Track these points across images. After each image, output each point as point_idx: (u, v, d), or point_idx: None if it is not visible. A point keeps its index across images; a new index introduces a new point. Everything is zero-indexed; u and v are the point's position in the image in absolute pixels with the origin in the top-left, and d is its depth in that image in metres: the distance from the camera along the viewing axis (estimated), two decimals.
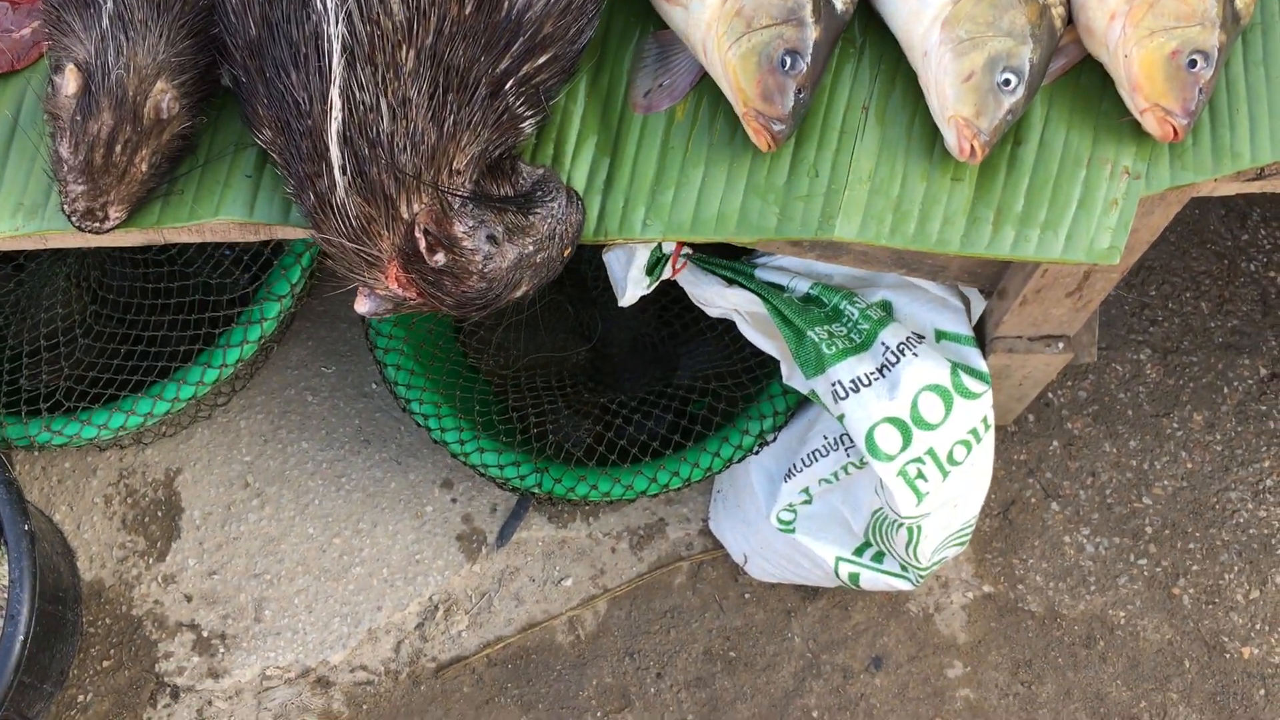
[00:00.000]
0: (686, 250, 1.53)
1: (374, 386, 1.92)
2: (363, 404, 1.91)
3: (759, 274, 1.55)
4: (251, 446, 1.89)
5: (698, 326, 1.80)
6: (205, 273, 1.76)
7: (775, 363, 1.63)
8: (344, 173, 0.97)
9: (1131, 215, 1.05)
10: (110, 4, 1.04)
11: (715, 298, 1.56)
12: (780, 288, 1.54)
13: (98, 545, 1.84)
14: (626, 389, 1.81)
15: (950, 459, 1.48)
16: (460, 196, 1.01)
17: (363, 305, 1.05)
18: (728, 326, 1.77)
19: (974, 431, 1.49)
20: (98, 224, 1.08)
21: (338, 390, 1.92)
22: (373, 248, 1.00)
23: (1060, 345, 1.46)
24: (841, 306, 1.51)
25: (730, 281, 1.54)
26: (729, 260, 1.55)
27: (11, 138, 1.15)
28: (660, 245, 1.46)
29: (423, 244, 0.99)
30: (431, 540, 1.84)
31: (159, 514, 1.86)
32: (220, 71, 1.11)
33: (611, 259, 1.52)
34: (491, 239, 1.02)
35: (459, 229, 1.00)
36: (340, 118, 0.97)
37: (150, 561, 1.84)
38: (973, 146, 1.03)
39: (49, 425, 1.63)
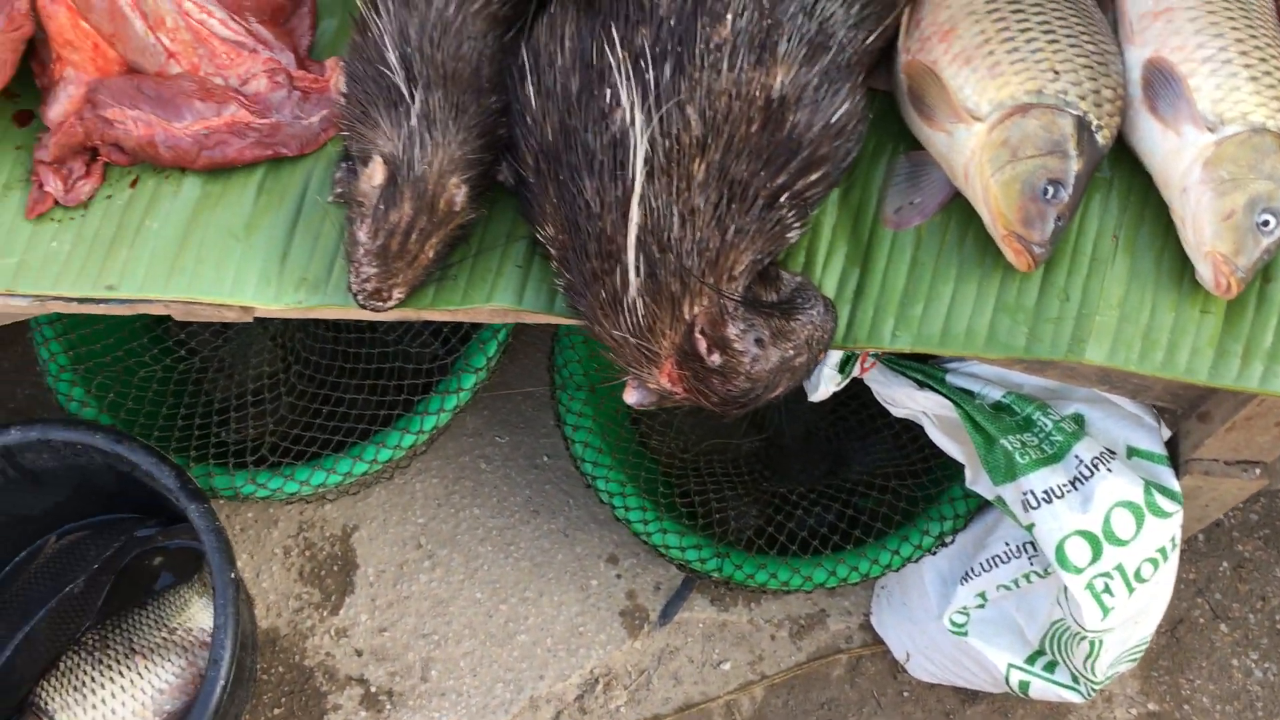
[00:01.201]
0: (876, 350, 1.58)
1: (545, 459, 1.98)
2: (534, 475, 1.97)
3: (949, 379, 1.59)
4: (425, 509, 1.95)
5: (874, 424, 1.84)
6: (404, 341, 1.84)
7: (955, 465, 1.66)
8: (637, 274, 1.04)
9: None
10: (418, 105, 1.12)
11: (905, 399, 1.60)
12: (971, 394, 1.58)
13: (275, 594, 1.91)
14: (797, 479, 1.85)
15: (1138, 576, 1.50)
16: (735, 301, 1.07)
17: (631, 396, 1.11)
18: (904, 426, 1.81)
19: (1162, 550, 1.51)
20: (381, 303, 1.16)
21: (510, 460, 1.98)
22: (653, 344, 1.06)
23: (1257, 471, 1.47)
24: (1034, 417, 1.54)
25: (921, 384, 1.59)
26: (919, 363, 1.59)
27: (297, 218, 1.24)
28: None
29: (703, 345, 1.05)
30: (595, 614, 1.88)
31: (335, 568, 1.92)
32: (499, 168, 1.19)
33: None
34: (759, 342, 1.08)
35: (732, 331, 1.06)
36: (638, 224, 1.03)
37: (324, 614, 1.90)
38: (1229, 282, 1.07)
39: (254, 478, 1.70)
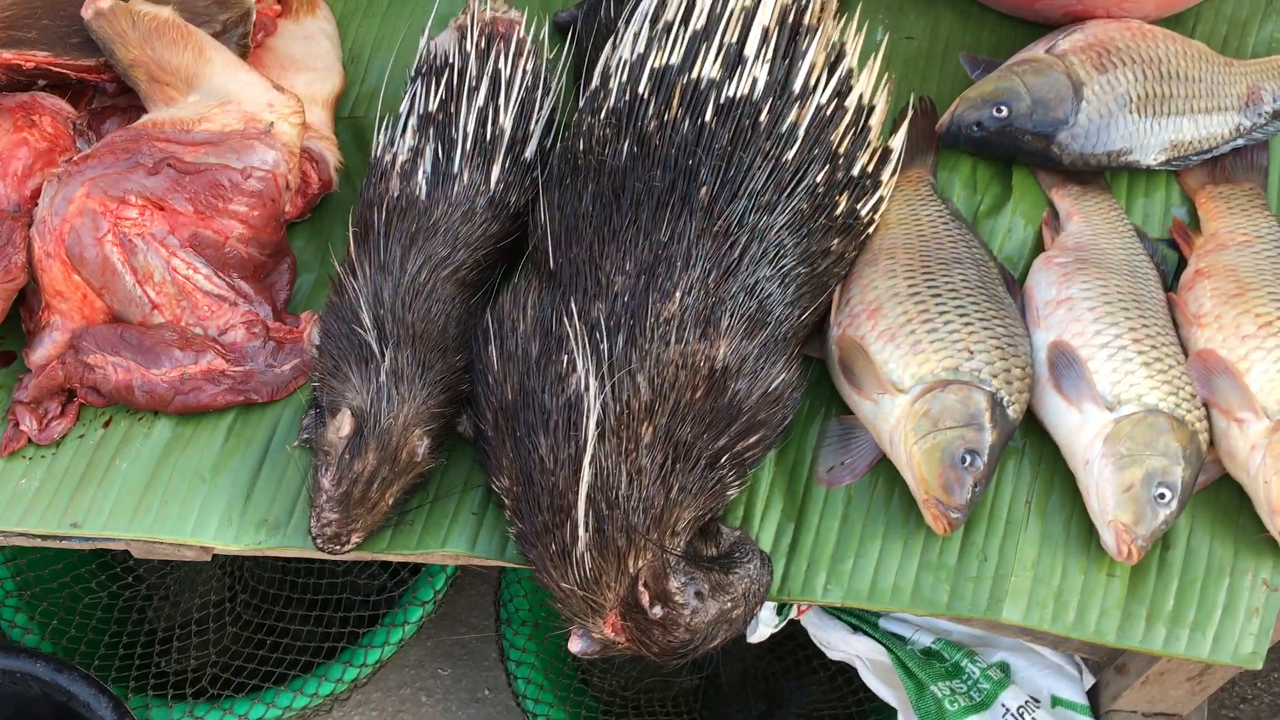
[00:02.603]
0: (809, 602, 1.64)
1: (487, 693, 1.98)
2: (474, 709, 1.97)
3: (882, 624, 1.65)
4: None
5: (810, 664, 1.88)
6: (353, 573, 1.87)
7: (889, 709, 1.70)
8: (586, 530, 1.11)
9: (1272, 623, 1.17)
10: (388, 362, 1.21)
11: (839, 642, 1.66)
12: (902, 639, 1.64)
13: None
14: (734, 719, 1.87)
15: None
16: (677, 556, 1.13)
17: (576, 645, 1.15)
18: (840, 667, 1.85)
19: None
20: (339, 547, 1.21)
21: (452, 693, 1.98)
22: (599, 596, 1.12)
23: None
24: (962, 664, 1.60)
25: (855, 629, 1.64)
26: (853, 608, 1.65)
27: (263, 461, 1.30)
28: None
29: (645, 598, 1.11)
30: None
31: None
32: (460, 420, 1.26)
33: None
34: (699, 595, 1.14)
35: (674, 585, 1.12)
36: (588, 482, 1.11)
37: None
38: (1130, 550, 1.16)
39: (192, 711, 1.70)
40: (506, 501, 1.20)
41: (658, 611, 1.11)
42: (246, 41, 1.42)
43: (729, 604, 1.16)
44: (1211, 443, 1.23)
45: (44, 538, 1.27)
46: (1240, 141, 1.41)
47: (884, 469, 1.27)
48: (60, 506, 1.28)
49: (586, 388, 1.13)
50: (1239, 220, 1.35)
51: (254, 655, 1.77)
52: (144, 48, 1.32)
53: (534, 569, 1.17)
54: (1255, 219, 1.35)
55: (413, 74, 1.42)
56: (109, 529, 1.26)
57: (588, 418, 1.12)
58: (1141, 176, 1.44)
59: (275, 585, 1.88)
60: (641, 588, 1.11)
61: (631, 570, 1.12)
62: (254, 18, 1.44)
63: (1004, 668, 1.62)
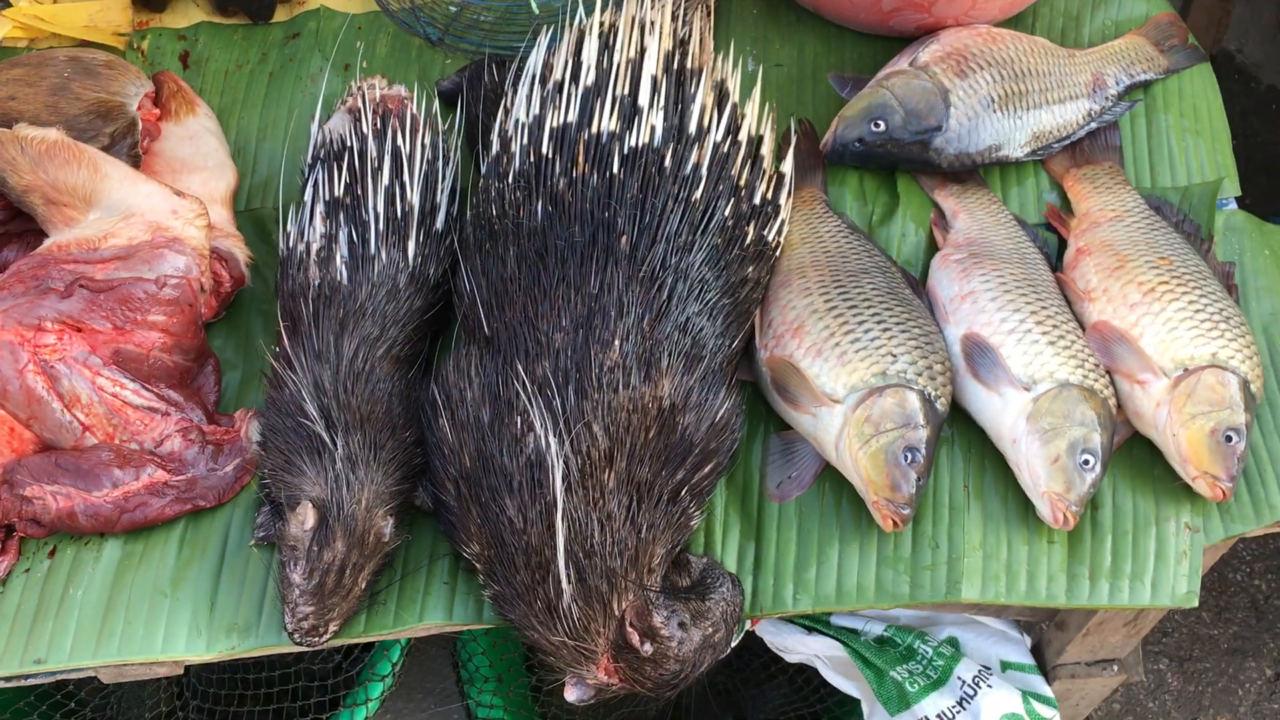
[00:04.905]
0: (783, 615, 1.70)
1: None
2: None
3: (834, 620, 1.72)
4: None
5: (768, 671, 1.93)
6: (305, 659, 1.85)
7: (852, 701, 1.77)
8: (570, 581, 1.14)
9: (1199, 563, 1.27)
10: (340, 449, 1.22)
11: (796, 645, 1.72)
12: (855, 632, 1.71)
13: None
14: None
15: None
16: (657, 591, 1.18)
17: (572, 693, 1.18)
18: (799, 669, 1.92)
19: None
20: (318, 639, 1.21)
21: None
22: (590, 643, 1.15)
23: (1115, 668, 1.64)
24: (915, 646, 1.68)
25: (810, 630, 1.71)
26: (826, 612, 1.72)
27: (221, 566, 1.29)
28: None
29: (635, 637, 1.14)
30: None
31: None
32: (417, 494, 1.28)
33: None
34: (683, 626, 1.18)
35: (658, 619, 1.16)
36: (564, 536, 1.14)
37: None
38: (1065, 516, 1.25)
39: None
40: (479, 566, 1.22)
41: (648, 648, 1.15)
42: (137, 151, 1.42)
43: (710, 629, 1.20)
44: (1119, 405, 1.33)
45: (8, 679, 1.23)
46: (1093, 125, 1.53)
47: (829, 476, 1.33)
48: (19, 645, 1.24)
49: (547, 445, 1.16)
50: (1106, 198, 1.47)
51: None
52: (36, 172, 1.31)
53: (518, 627, 1.20)
54: (1120, 195, 1.47)
55: (309, 161, 1.43)
56: (75, 659, 1.24)
57: (553, 473, 1.15)
58: (1012, 168, 1.54)
59: (225, 685, 1.85)
60: (629, 628, 1.15)
61: (617, 612, 1.16)
62: (140, 126, 1.43)
63: (953, 643, 1.70)
